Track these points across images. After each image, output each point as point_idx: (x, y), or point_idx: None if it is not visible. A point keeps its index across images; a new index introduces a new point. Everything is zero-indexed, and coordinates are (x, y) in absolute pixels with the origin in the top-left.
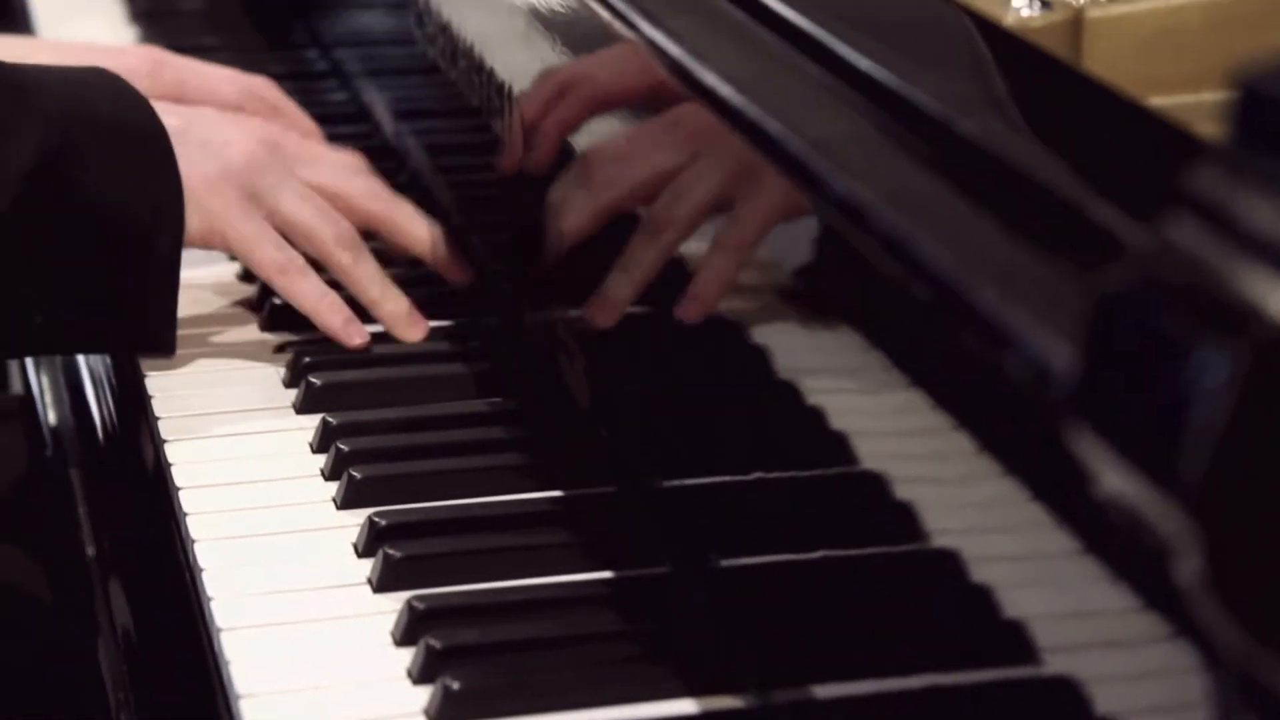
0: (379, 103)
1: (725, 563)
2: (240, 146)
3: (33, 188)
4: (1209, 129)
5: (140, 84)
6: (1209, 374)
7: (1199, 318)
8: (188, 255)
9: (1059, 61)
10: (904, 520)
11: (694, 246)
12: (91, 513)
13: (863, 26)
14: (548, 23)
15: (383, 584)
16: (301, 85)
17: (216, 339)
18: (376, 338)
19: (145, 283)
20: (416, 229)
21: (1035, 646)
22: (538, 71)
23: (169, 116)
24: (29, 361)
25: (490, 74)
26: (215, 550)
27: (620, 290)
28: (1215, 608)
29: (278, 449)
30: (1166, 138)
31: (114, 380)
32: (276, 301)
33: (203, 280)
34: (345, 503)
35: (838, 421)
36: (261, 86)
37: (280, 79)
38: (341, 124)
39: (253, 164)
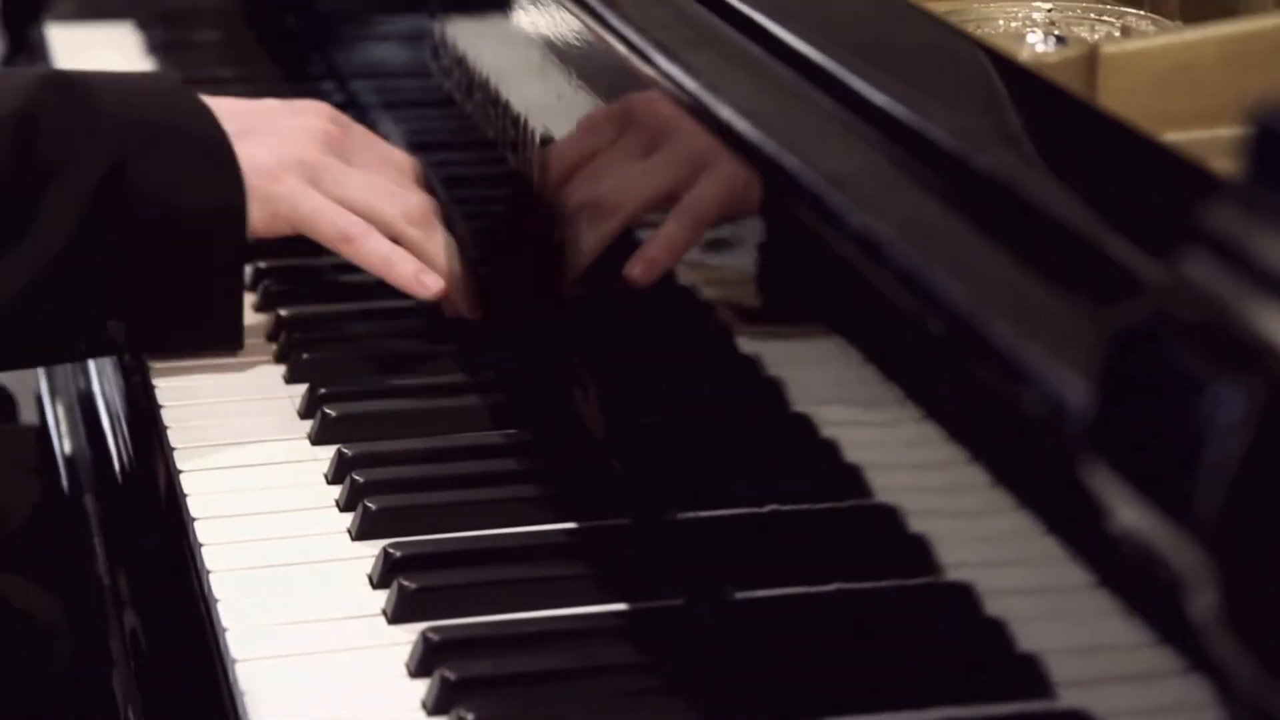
0: (395, 134)
1: (740, 595)
2: (299, 138)
3: (101, 195)
4: (1224, 165)
5: None
6: (1224, 409)
7: (1214, 353)
8: None
9: (1074, 97)
10: (918, 553)
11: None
12: (106, 543)
13: (879, 61)
14: (563, 56)
15: (398, 615)
16: None
17: (232, 369)
18: (391, 367)
19: (209, 283)
20: (439, 263)
21: (1050, 680)
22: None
23: (229, 120)
24: (44, 391)
25: (506, 106)
26: (230, 581)
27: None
28: (1230, 642)
29: (293, 480)
30: (1181, 173)
31: (129, 411)
32: (294, 334)
33: None
34: (360, 534)
35: (852, 454)
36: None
37: None
38: None
39: (310, 153)
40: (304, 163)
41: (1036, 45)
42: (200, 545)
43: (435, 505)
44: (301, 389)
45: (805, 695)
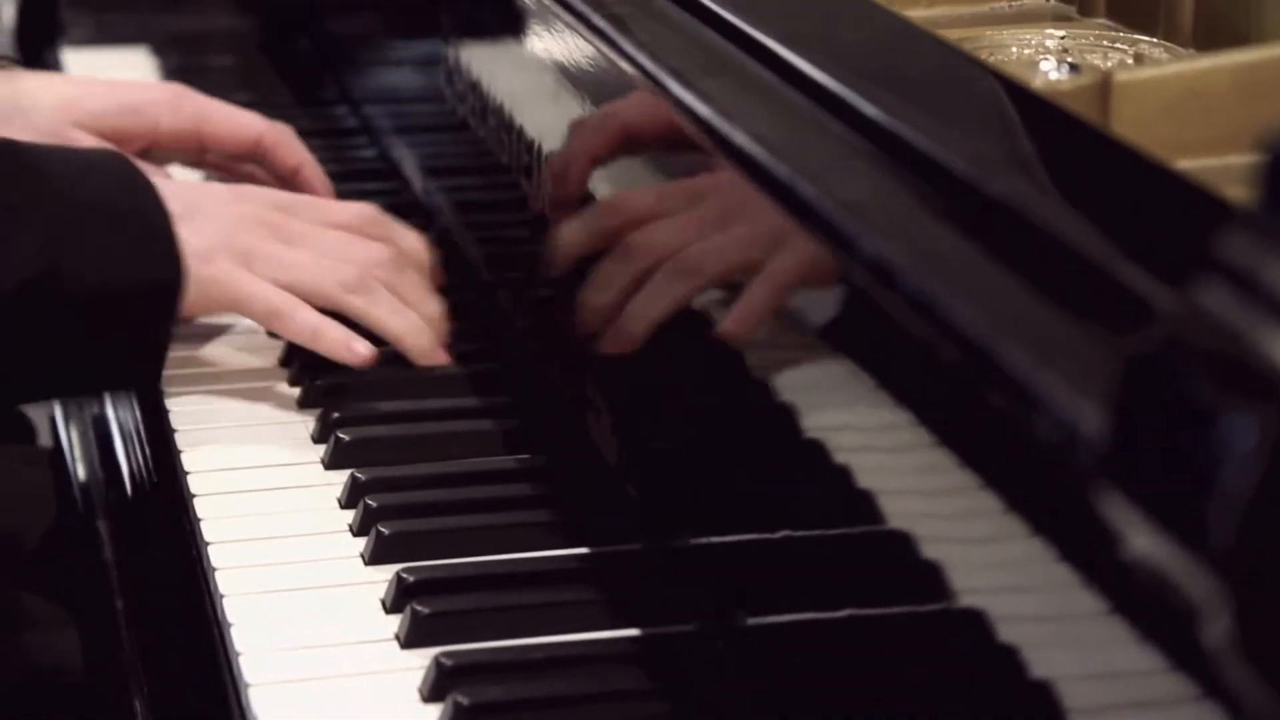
0: (408, 159)
1: (752, 621)
2: (236, 224)
3: (31, 279)
4: (1237, 192)
5: (162, 116)
6: (1238, 437)
7: (1227, 380)
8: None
9: (1087, 124)
10: (931, 579)
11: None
12: (120, 566)
13: (893, 88)
14: (577, 81)
15: (410, 640)
16: (331, 141)
17: (246, 394)
18: (405, 392)
19: (136, 354)
20: (393, 325)
21: (1062, 707)
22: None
23: (172, 201)
24: (58, 414)
25: (520, 132)
26: (243, 605)
27: (638, 325)
28: (1244, 670)
29: (306, 504)
30: (1194, 201)
31: (143, 434)
32: (308, 359)
33: (232, 335)
34: (373, 558)
35: (865, 480)
36: (281, 129)
37: (310, 135)
38: (370, 180)
39: (245, 238)
40: (238, 247)
41: (1050, 73)
42: (214, 569)
43: (448, 530)
44: (315, 413)
45: None
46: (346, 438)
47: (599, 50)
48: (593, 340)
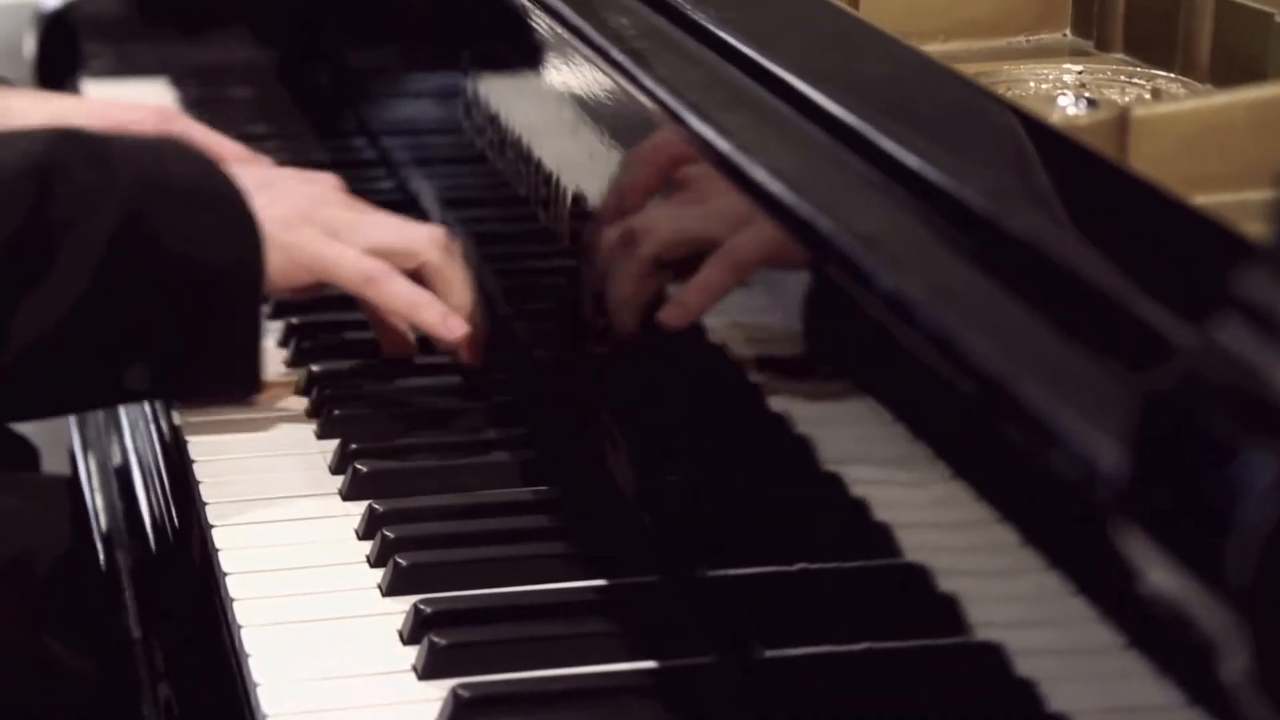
0: (426, 191)
1: (768, 653)
2: (313, 194)
3: (116, 246)
4: (1254, 228)
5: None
6: (1256, 473)
7: (1245, 416)
8: None
9: (1105, 159)
10: (948, 612)
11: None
12: (137, 596)
13: (910, 123)
14: (596, 115)
15: (427, 671)
16: (349, 173)
17: (264, 424)
18: (423, 423)
19: (229, 331)
20: (462, 295)
21: None
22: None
23: (244, 176)
24: (76, 443)
25: (538, 164)
26: (261, 635)
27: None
28: (1261, 705)
29: (324, 535)
30: (1212, 236)
31: (161, 464)
32: (326, 390)
33: None
34: (391, 589)
35: (881, 513)
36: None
37: (328, 167)
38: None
39: (324, 207)
40: (320, 216)
41: (1067, 108)
42: (232, 600)
43: (466, 561)
44: (333, 444)
45: None
46: (364, 469)
47: (618, 84)
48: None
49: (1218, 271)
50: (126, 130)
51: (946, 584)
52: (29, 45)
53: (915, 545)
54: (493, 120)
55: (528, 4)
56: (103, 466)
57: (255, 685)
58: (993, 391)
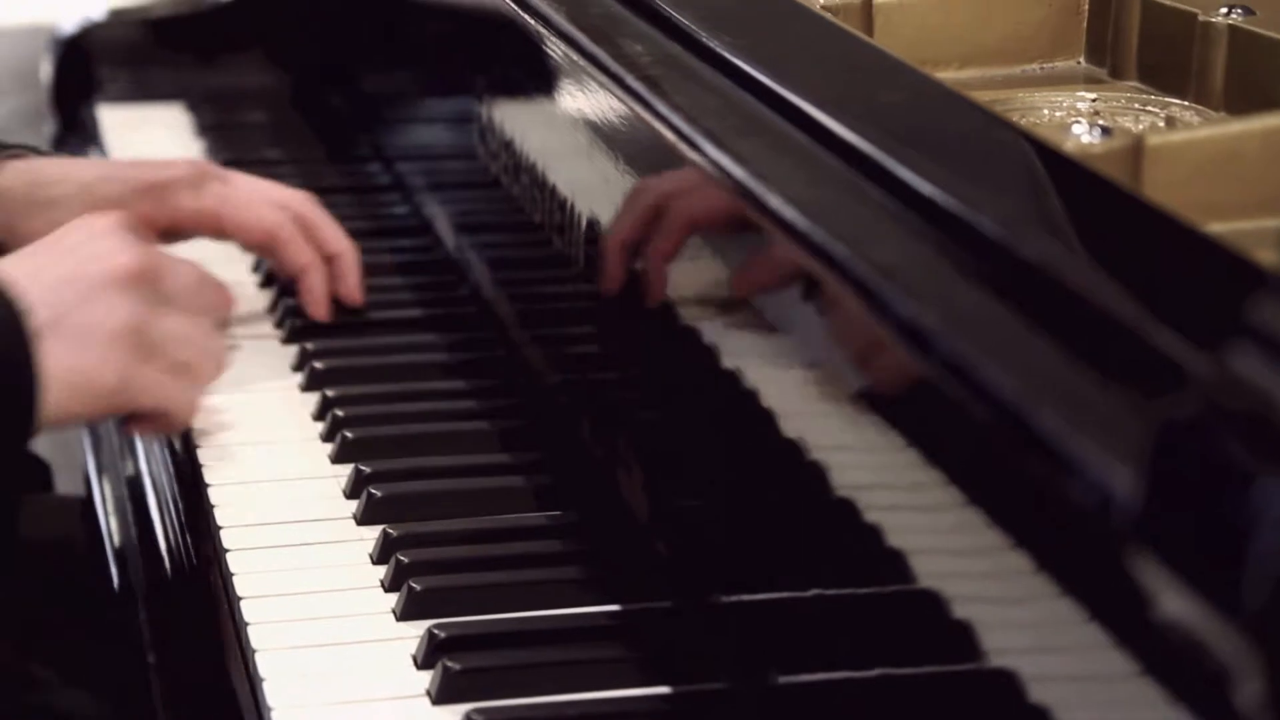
0: (440, 217)
1: (782, 679)
2: (115, 305)
3: None
4: (1269, 256)
5: (183, 199)
6: (1270, 500)
7: (1260, 445)
8: (261, 348)
9: (1119, 187)
10: (962, 639)
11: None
12: (152, 620)
13: (925, 150)
14: (610, 141)
15: (442, 696)
16: (363, 198)
17: (279, 449)
18: (437, 448)
19: None
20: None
21: None
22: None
23: (40, 310)
24: (91, 468)
25: (553, 190)
26: (276, 660)
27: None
28: None
29: (338, 559)
30: (1226, 265)
31: (176, 489)
32: (339, 413)
33: (266, 391)
34: (405, 614)
35: (895, 539)
36: (300, 202)
37: (342, 192)
38: (402, 237)
39: (134, 318)
40: (130, 337)
41: (1082, 135)
42: (246, 624)
43: (480, 586)
44: (347, 469)
45: None
46: (379, 493)
47: (632, 110)
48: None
49: (1232, 299)
50: (157, 195)
51: (961, 610)
52: (45, 70)
53: (929, 571)
54: (507, 146)
55: (543, 30)
56: (116, 489)
57: (270, 710)
58: (1008, 418)
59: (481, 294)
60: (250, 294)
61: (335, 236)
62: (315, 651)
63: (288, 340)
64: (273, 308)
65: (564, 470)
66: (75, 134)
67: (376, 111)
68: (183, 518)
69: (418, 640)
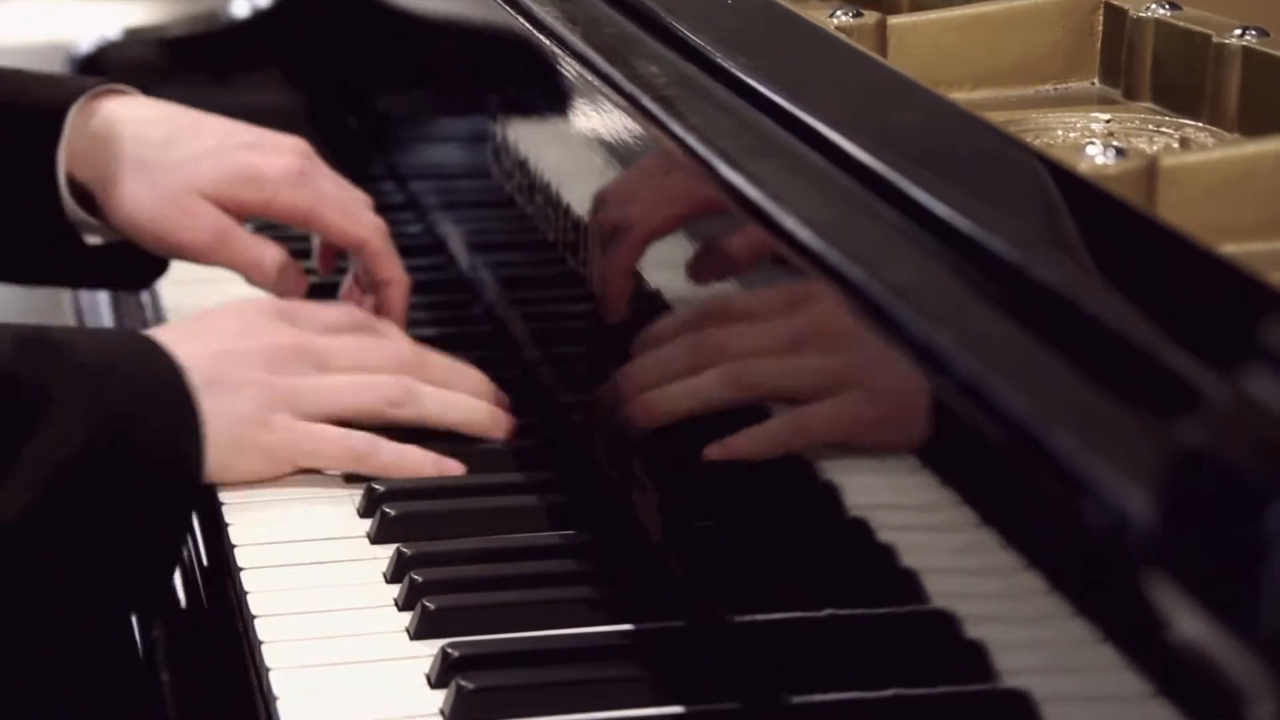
0: (454, 236)
1: (796, 699)
2: (262, 361)
3: (72, 457)
4: None
5: (281, 191)
6: None
7: (1275, 467)
8: None
9: (1134, 208)
10: (975, 659)
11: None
12: (168, 639)
13: (939, 171)
14: (625, 161)
15: (456, 715)
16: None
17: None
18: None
19: (152, 545)
20: (450, 417)
21: None
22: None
23: (196, 371)
24: None
25: (567, 209)
26: (290, 679)
27: (673, 406)
28: None
29: (352, 578)
30: (1241, 286)
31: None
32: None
33: None
34: (419, 633)
35: (908, 559)
36: (380, 233)
37: None
38: (416, 256)
39: (284, 381)
40: (281, 394)
41: (1096, 156)
42: (260, 643)
43: (493, 605)
44: (361, 488)
45: None
46: (392, 512)
47: (647, 130)
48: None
49: (1246, 320)
50: (257, 183)
51: (974, 630)
52: None
53: (942, 592)
54: (521, 165)
55: (557, 50)
56: None
57: None
58: (1022, 439)
59: (495, 313)
60: None
61: (398, 265)
62: (329, 670)
63: None
64: None
65: (577, 489)
66: None
67: (391, 130)
68: (197, 537)
69: (431, 659)
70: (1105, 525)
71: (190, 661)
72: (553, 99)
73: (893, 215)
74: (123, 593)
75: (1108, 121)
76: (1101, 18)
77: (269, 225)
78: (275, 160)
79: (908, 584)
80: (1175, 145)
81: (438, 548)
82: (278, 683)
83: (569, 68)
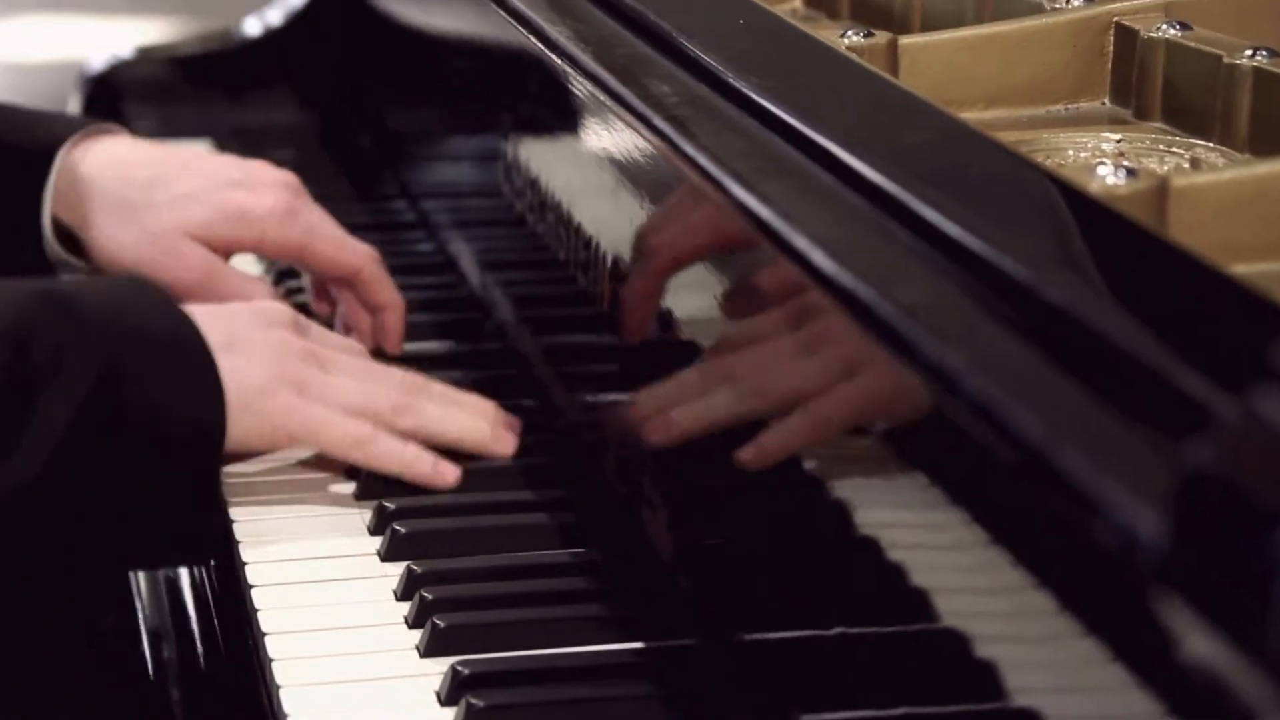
0: (465, 254)
1: (806, 718)
2: (280, 351)
3: (88, 408)
4: None
5: (270, 228)
6: None
7: None
8: None
9: (1144, 229)
10: (985, 679)
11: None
12: (178, 656)
13: (950, 191)
14: (636, 180)
15: None
16: (389, 235)
17: (303, 485)
18: (460, 484)
19: (185, 496)
20: (450, 429)
21: None
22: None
23: (212, 332)
24: None
25: (578, 228)
26: (299, 696)
27: (689, 422)
28: None
29: (362, 596)
30: (1252, 306)
31: None
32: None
33: None
34: (428, 651)
35: (919, 577)
36: (373, 259)
37: (367, 229)
38: (427, 274)
39: (293, 366)
40: (291, 376)
41: (1107, 177)
42: (271, 660)
43: (503, 623)
44: (371, 505)
45: None
46: (403, 530)
47: (658, 150)
48: (636, 421)
49: (1257, 341)
50: (246, 220)
51: (984, 650)
52: (74, 106)
53: (952, 610)
54: (533, 184)
55: (569, 69)
56: None
57: None
58: (1032, 459)
59: (506, 331)
60: None
61: (392, 289)
62: (339, 688)
63: None
64: None
65: (587, 507)
66: None
67: (402, 148)
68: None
69: (441, 677)
70: (1115, 544)
71: (201, 679)
72: (564, 118)
73: (904, 235)
74: (160, 540)
75: (1118, 141)
76: (1112, 38)
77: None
78: (264, 198)
79: (918, 602)
80: (1186, 165)
81: (448, 565)
82: (288, 700)
83: (581, 87)
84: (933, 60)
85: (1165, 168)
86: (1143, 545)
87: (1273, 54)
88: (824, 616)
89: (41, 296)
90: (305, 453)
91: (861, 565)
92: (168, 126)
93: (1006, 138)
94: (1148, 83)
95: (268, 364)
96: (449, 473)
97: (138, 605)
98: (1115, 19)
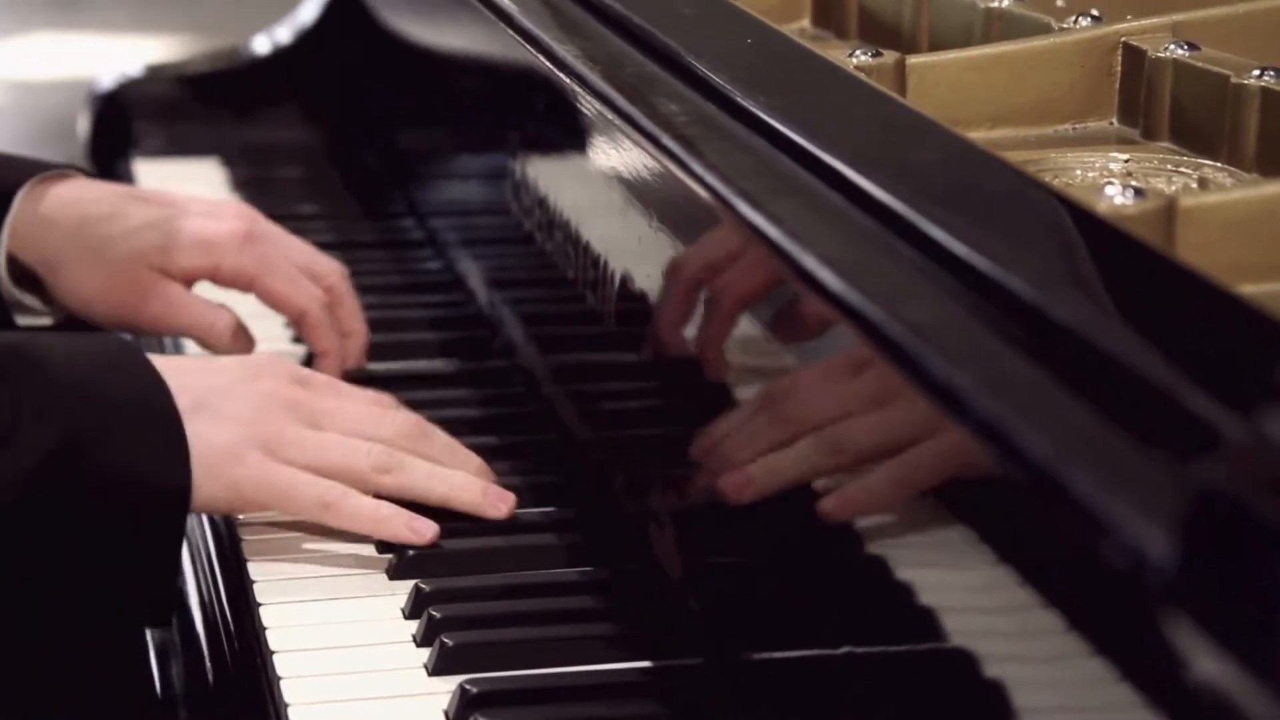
0: (473, 272)
1: None
2: (257, 408)
3: (46, 469)
4: None
5: (226, 256)
6: None
7: None
8: None
9: (1152, 249)
10: (993, 697)
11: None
12: (187, 671)
13: (959, 211)
14: (645, 199)
15: None
16: (396, 254)
17: None
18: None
19: (146, 563)
20: (436, 490)
21: None
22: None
23: (182, 394)
24: None
25: (586, 247)
26: (309, 715)
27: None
28: None
29: (371, 614)
30: (1259, 326)
31: (210, 542)
32: None
33: None
34: (437, 670)
35: (927, 597)
36: (334, 275)
37: (375, 247)
38: (435, 292)
39: (269, 425)
40: (263, 437)
41: (1115, 196)
42: (279, 678)
43: (512, 642)
44: None
45: None
46: (411, 549)
47: (667, 169)
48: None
49: (1265, 361)
50: (205, 248)
51: (992, 669)
52: (82, 124)
53: (960, 630)
54: (541, 202)
55: (577, 88)
56: None
57: None
58: (1041, 479)
59: (513, 350)
60: (285, 348)
61: (354, 316)
62: (348, 706)
63: None
64: (308, 360)
65: (596, 526)
66: None
67: (410, 167)
68: (216, 573)
69: (450, 696)
70: (1124, 564)
71: (209, 698)
72: (573, 136)
73: (912, 254)
74: (120, 602)
75: (1126, 161)
76: (1120, 58)
77: None
78: (221, 225)
79: (926, 622)
80: (1194, 185)
81: (456, 584)
82: (297, 718)
83: (589, 105)
84: (940, 80)
85: (1173, 188)
86: (1151, 565)
87: (1279, 74)
88: (832, 636)
89: (11, 354)
90: None
91: (870, 584)
92: (176, 144)
93: (1014, 157)
94: (1155, 102)
95: (240, 424)
96: (425, 530)
97: None
98: (1123, 39)
